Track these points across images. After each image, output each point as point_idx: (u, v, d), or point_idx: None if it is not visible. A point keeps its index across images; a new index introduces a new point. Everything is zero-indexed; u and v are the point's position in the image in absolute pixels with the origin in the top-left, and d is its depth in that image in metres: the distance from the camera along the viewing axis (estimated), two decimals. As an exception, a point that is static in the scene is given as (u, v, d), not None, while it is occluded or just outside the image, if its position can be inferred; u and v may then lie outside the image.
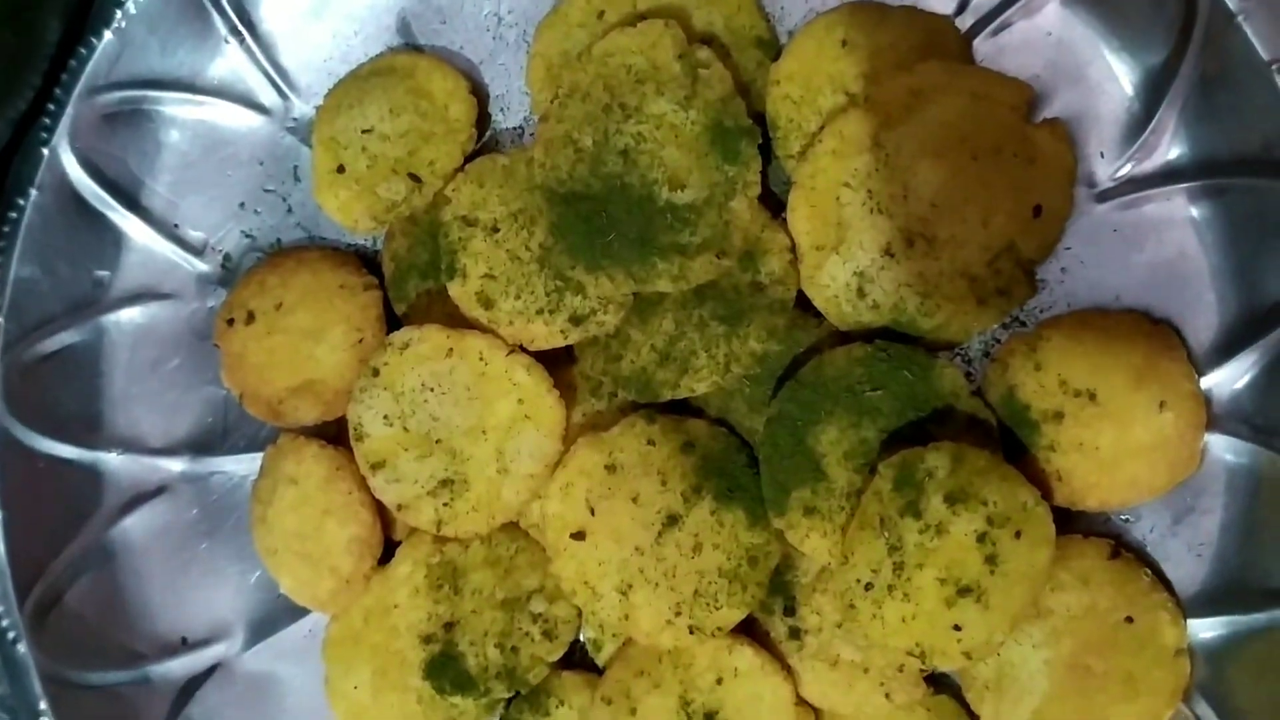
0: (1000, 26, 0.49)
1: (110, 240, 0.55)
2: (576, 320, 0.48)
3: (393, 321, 0.53)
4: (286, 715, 0.54)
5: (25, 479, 0.53)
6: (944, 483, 0.43)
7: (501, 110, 0.54)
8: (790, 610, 0.48)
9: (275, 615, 0.54)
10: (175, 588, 0.55)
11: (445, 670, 0.49)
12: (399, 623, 0.50)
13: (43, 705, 0.50)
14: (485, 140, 0.54)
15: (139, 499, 0.55)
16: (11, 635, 0.51)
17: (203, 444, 0.55)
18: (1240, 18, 0.44)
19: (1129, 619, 0.45)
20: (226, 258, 0.56)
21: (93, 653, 0.53)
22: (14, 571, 0.51)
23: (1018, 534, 0.43)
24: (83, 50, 0.53)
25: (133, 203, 0.55)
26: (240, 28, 0.55)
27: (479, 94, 0.53)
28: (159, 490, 0.55)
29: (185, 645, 0.54)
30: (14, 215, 0.53)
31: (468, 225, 0.50)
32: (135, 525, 0.55)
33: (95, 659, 0.53)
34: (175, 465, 0.55)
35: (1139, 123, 0.47)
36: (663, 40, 0.47)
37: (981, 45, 0.49)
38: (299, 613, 0.53)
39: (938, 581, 0.43)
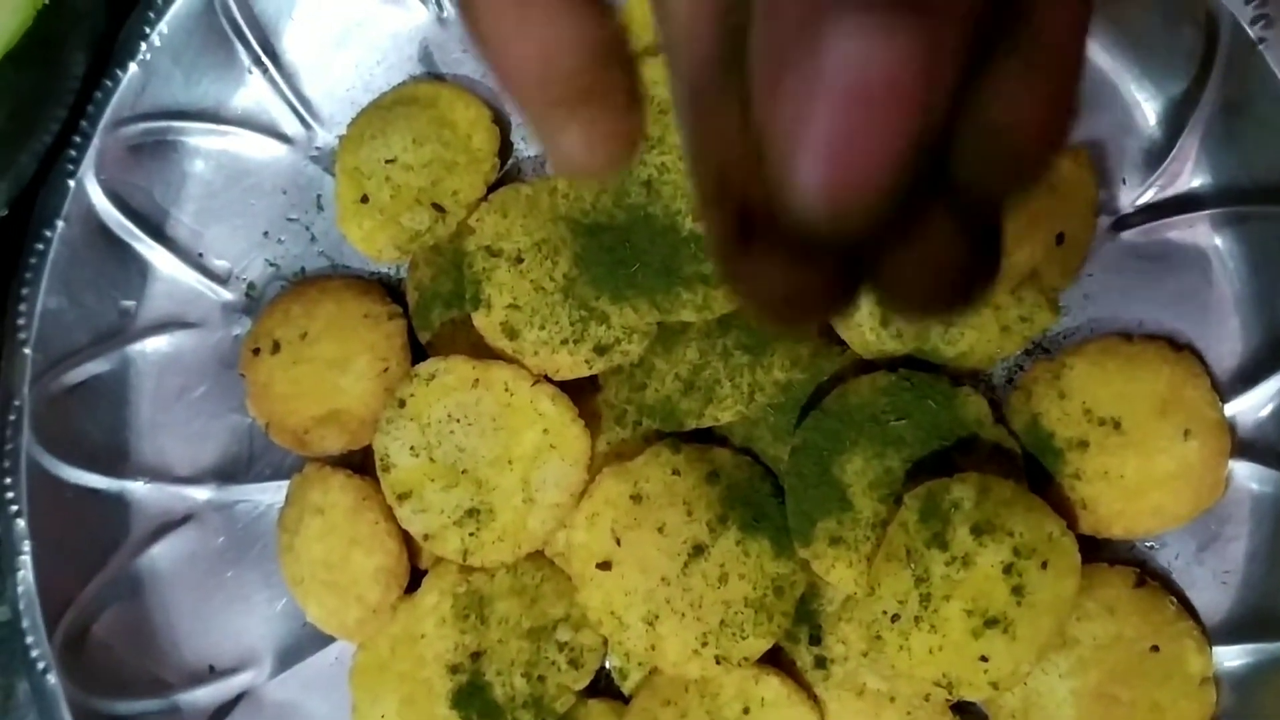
0: (1021, 55, 0.49)
1: (136, 270, 0.56)
2: (601, 350, 0.49)
3: (417, 350, 0.53)
4: (314, 743, 0.54)
5: (53, 509, 0.53)
6: (970, 514, 0.43)
7: (524, 139, 0.54)
8: (816, 639, 0.48)
9: (302, 643, 0.54)
10: (202, 616, 0.55)
11: (472, 700, 0.49)
12: (426, 652, 0.50)
13: (71, 735, 0.51)
14: (508, 169, 0.54)
15: (166, 528, 0.55)
16: (41, 666, 0.51)
17: (229, 472, 0.56)
18: (1262, 46, 0.44)
19: (1155, 648, 0.45)
20: (251, 286, 0.56)
21: (121, 682, 0.53)
22: (43, 602, 0.52)
23: (1044, 564, 0.43)
24: (108, 83, 0.53)
25: (158, 233, 0.56)
26: (264, 58, 0.55)
27: (501, 123, 0.53)
28: (185, 519, 0.55)
29: (213, 674, 0.54)
30: (41, 247, 0.53)
31: (492, 255, 0.50)
32: (162, 554, 0.55)
33: (124, 688, 0.53)
34: (202, 494, 0.55)
35: (1161, 150, 0.47)
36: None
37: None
38: (325, 641, 0.53)
39: (964, 613, 0.43)
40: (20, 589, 0.52)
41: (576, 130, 0.18)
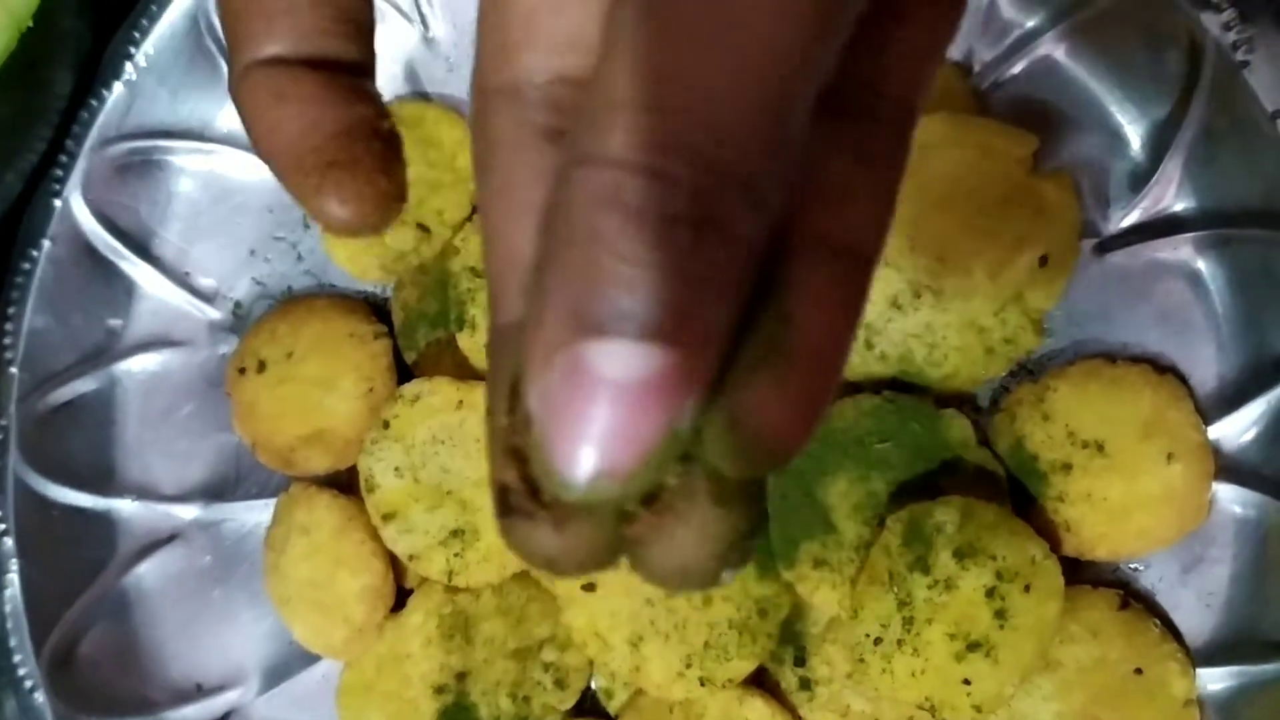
0: (1006, 77, 0.49)
1: (122, 289, 0.56)
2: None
3: (403, 370, 0.53)
4: (301, 761, 0.54)
5: (40, 528, 0.53)
6: (953, 538, 0.43)
7: (509, 159, 0.54)
8: (801, 661, 0.48)
9: (289, 662, 0.54)
10: (189, 634, 0.55)
11: (458, 720, 0.49)
12: (412, 672, 0.50)
13: (59, 754, 0.51)
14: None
15: (153, 546, 0.55)
16: (29, 684, 0.51)
17: (215, 491, 0.56)
18: (1245, 70, 0.44)
19: (1139, 670, 0.45)
20: (237, 305, 0.56)
21: (109, 700, 0.53)
22: (30, 620, 0.52)
23: (1027, 588, 0.43)
24: (94, 102, 0.53)
25: (144, 252, 0.56)
26: (249, 77, 0.55)
27: (487, 143, 0.53)
28: (172, 537, 0.55)
29: (200, 692, 0.54)
30: (27, 267, 0.53)
31: (477, 276, 0.50)
32: (149, 573, 0.55)
33: (111, 707, 0.53)
34: (188, 512, 0.55)
35: (1145, 173, 0.47)
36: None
37: (987, 95, 0.49)
38: (312, 659, 0.53)
39: (947, 636, 0.43)
40: (8, 608, 0.52)
41: (326, 193, 0.21)
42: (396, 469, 0.49)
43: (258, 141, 0.22)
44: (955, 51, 0.50)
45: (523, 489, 0.19)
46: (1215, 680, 0.46)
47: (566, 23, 0.19)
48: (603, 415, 0.15)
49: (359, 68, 0.23)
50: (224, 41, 0.23)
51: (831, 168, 0.19)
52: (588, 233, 0.15)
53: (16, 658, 0.51)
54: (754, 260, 0.16)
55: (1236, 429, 0.46)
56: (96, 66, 0.54)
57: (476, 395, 0.49)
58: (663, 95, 0.15)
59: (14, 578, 0.52)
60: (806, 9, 0.16)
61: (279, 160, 0.22)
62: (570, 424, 0.15)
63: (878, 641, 0.44)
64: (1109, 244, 0.48)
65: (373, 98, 0.23)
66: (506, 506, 0.19)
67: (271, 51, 0.22)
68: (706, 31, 0.16)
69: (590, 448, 0.15)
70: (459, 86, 0.55)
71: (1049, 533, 0.46)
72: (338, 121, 0.21)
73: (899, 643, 0.44)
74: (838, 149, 0.19)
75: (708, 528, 0.19)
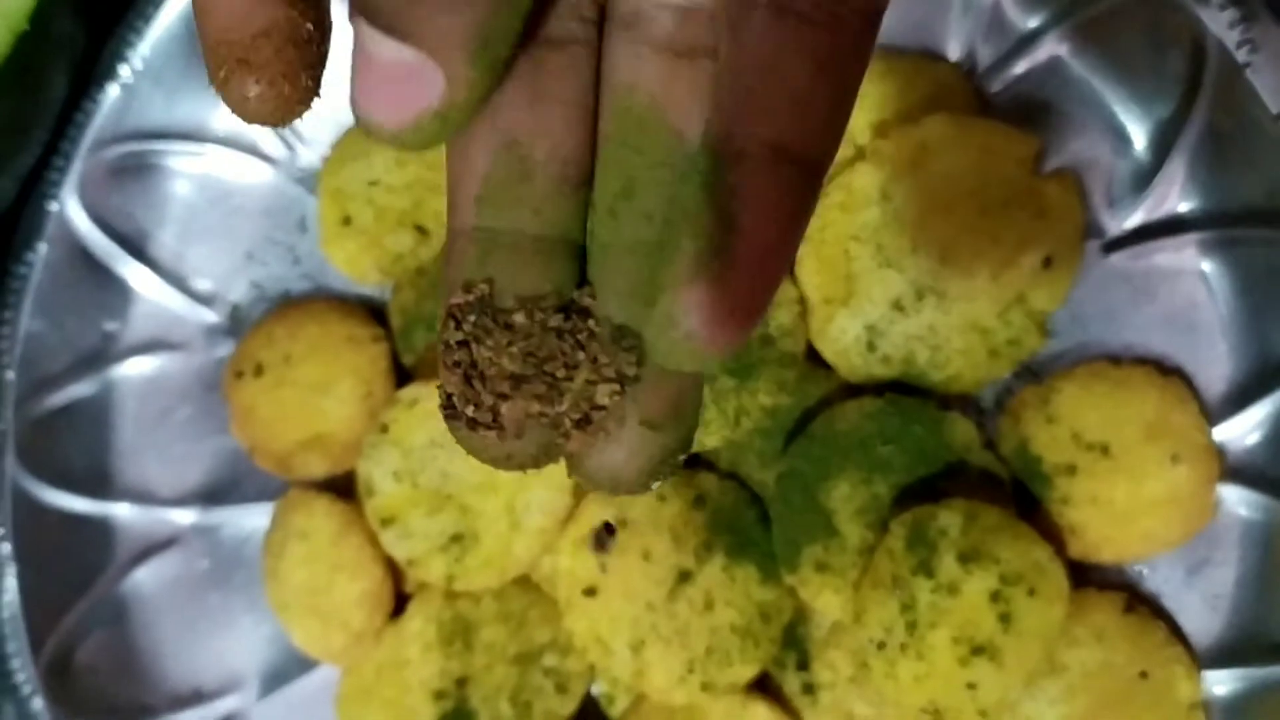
0: (1008, 77, 0.49)
1: (118, 292, 0.55)
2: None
3: (401, 374, 0.53)
4: (300, 767, 0.54)
5: (38, 533, 0.53)
6: (956, 541, 0.43)
7: (508, 161, 0.54)
8: (803, 665, 0.48)
9: (288, 667, 0.54)
10: (188, 640, 0.55)
11: (458, 726, 0.49)
12: (411, 678, 0.50)
13: (58, 760, 0.50)
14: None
15: (150, 551, 0.55)
16: (26, 690, 0.51)
17: (213, 495, 0.55)
18: (1248, 70, 0.43)
19: (1144, 674, 0.45)
20: (235, 308, 0.56)
21: (107, 706, 0.53)
22: (28, 626, 0.51)
23: (1031, 592, 0.43)
24: (89, 105, 0.53)
25: (140, 255, 0.55)
26: (245, 79, 0.55)
27: (485, 144, 0.53)
28: (170, 542, 0.55)
29: (199, 697, 0.54)
30: (23, 271, 0.53)
31: (476, 279, 0.50)
32: (147, 578, 0.55)
33: (109, 713, 0.53)
34: (186, 517, 0.55)
35: (1148, 174, 0.47)
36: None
37: (989, 95, 0.49)
38: (312, 664, 0.53)
39: (951, 640, 0.43)
40: (5, 614, 0.51)
41: (229, 87, 0.21)
42: (395, 473, 0.49)
43: (194, 12, 0.22)
44: (957, 52, 0.49)
45: (465, 397, 0.22)
46: (1221, 683, 0.45)
47: None
48: (375, 80, 0.20)
49: None
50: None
51: (790, 74, 0.19)
52: None
53: (14, 663, 0.51)
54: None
55: (1242, 430, 0.46)
56: (92, 69, 0.53)
57: (476, 399, 0.48)
58: None
59: (11, 583, 0.52)
60: None
61: (201, 42, 0.22)
62: (359, 80, 0.20)
63: (881, 645, 0.44)
64: (1113, 245, 0.48)
65: (318, 7, 0.23)
66: (453, 412, 0.22)
67: None
68: None
69: (373, 101, 0.20)
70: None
71: (1053, 535, 0.46)
72: (261, 20, 0.22)
73: (903, 647, 0.43)
74: (798, 54, 0.19)
75: (637, 446, 0.22)
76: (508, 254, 0.22)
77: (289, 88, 0.22)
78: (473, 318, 0.22)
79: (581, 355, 0.22)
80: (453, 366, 0.22)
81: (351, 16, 0.20)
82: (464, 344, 0.22)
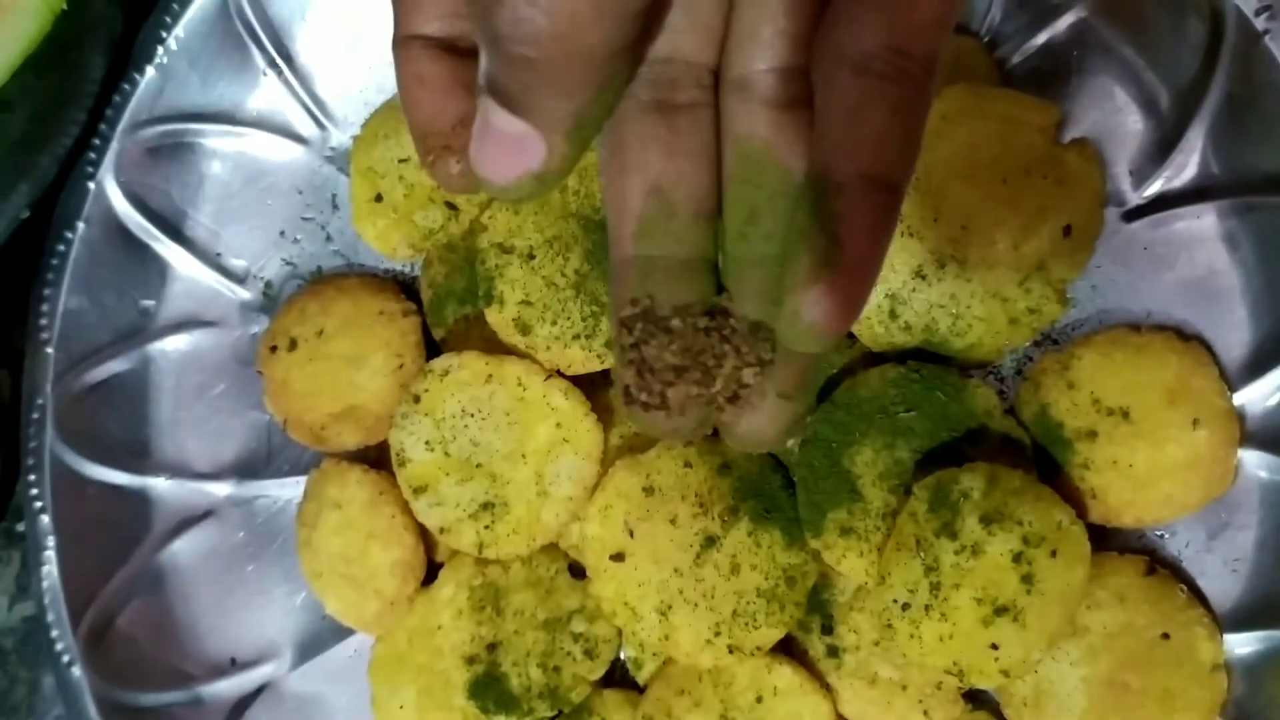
0: (1028, 48, 0.49)
1: (155, 270, 0.57)
2: (612, 345, 0.49)
3: (431, 347, 0.54)
4: (334, 734, 0.55)
5: (77, 506, 0.54)
6: (979, 504, 0.44)
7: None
8: (828, 629, 0.48)
9: (321, 636, 0.55)
10: (223, 610, 0.56)
11: (489, 690, 0.50)
12: (443, 644, 0.51)
13: (97, 727, 0.52)
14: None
15: (187, 523, 0.56)
16: (66, 659, 0.52)
17: (248, 468, 0.57)
18: (1267, 37, 0.44)
19: (1165, 635, 0.45)
20: (268, 285, 0.57)
21: (145, 675, 0.54)
22: (67, 596, 0.53)
23: (1053, 553, 0.43)
24: (126, 86, 0.54)
25: (177, 233, 0.57)
26: (278, 60, 0.56)
27: (512, 121, 0.54)
28: (206, 514, 0.56)
29: (234, 666, 0.55)
30: (62, 248, 0.54)
31: (504, 252, 0.51)
32: (184, 549, 0.56)
33: (147, 681, 0.54)
34: (221, 489, 0.56)
35: (1168, 141, 0.48)
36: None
37: (1009, 66, 0.49)
38: (345, 633, 0.54)
39: (974, 601, 0.43)
40: (45, 584, 0.52)
41: (436, 166, 0.30)
42: (427, 443, 0.50)
43: (403, 106, 0.30)
44: (978, 23, 0.50)
45: (639, 387, 0.28)
46: (1242, 645, 0.46)
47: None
48: (492, 143, 0.25)
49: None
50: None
51: (871, 119, 0.24)
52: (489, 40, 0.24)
53: (54, 633, 0.52)
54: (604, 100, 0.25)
55: (1262, 395, 0.46)
56: (129, 50, 0.55)
57: (505, 369, 0.49)
58: None
59: (51, 555, 0.53)
60: None
61: (412, 130, 0.30)
62: (480, 142, 0.25)
63: (905, 607, 0.44)
64: (1133, 213, 0.48)
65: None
66: (630, 399, 0.29)
67: (425, 29, 0.30)
68: None
69: (476, 158, 0.26)
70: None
71: (1075, 500, 0.46)
72: (456, 113, 0.29)
73: (926, 608, 0.44)
74: (876, 103, 0.24)
75: (775, 413, 0.29)
76: (661, 274, 0.29)
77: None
78: (640, 325, 0.28)
79: (727, 347, 0.28)
80: (628, 364, 0.29)
81: (480, 92, 0.25)
82: (635, 345, 0.28)
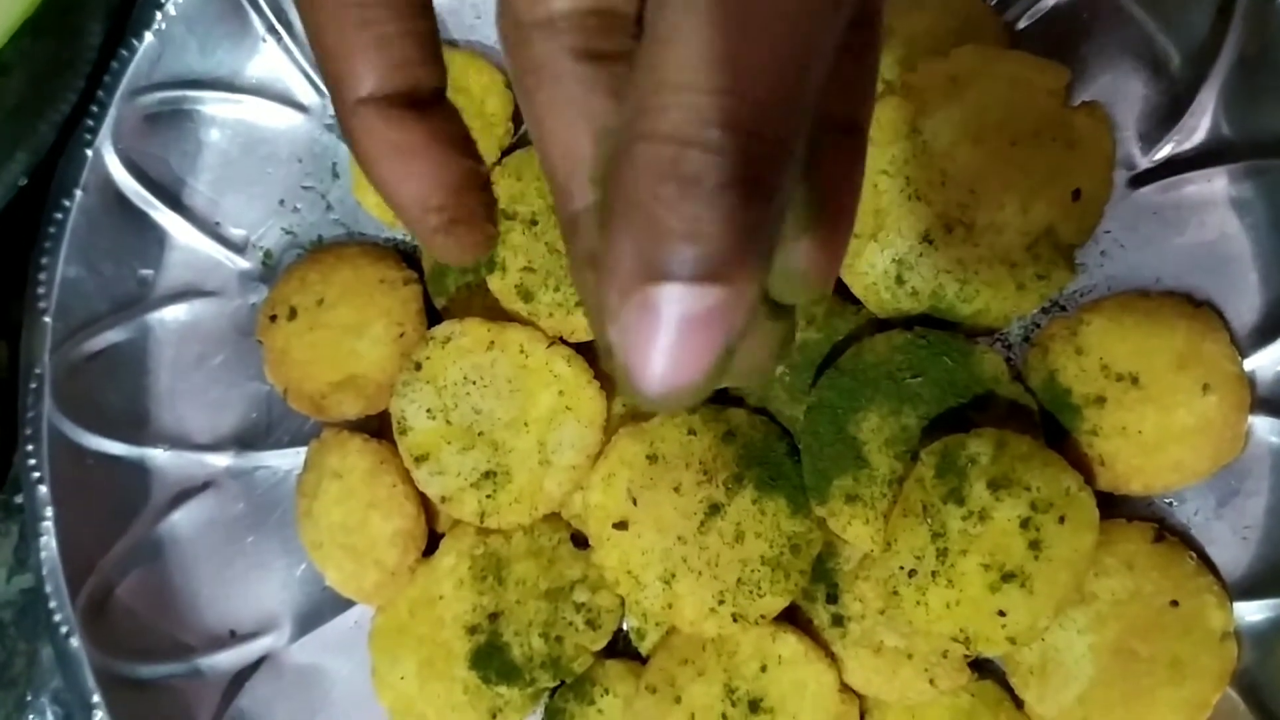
0: (1037, 10, 0.49)
1: (154, 239, 0.56)
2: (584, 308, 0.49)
3: (433, 316, 0.53)
4: (334, 706, 0.54)
5: (75, 476, 0.53)
6: (986, 469, 0.43)
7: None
8: (833, 598, 0.48)
9: (321, 607, 0.54)
10: (223, 581, 0.55)
11: (491, 660, 0.49)
12: (444, 614, 0.50)
13: (95, 699, 0.51)
14: (522, 133, 0.54)
15: (186, 494, 0.55)
16: (64, 630, 0.52)
17: (247, 439, 0.56)
18: (1280, -2, 0.43)
19: (1174, 603, 0.45)
20: (267, 254, 0.57)
21: (144, 646, 0.54)
22: (66, 568, 0.52)
23: (1061, 519, 0.43)
24: (124, 52, 0.54)
25: (175, 202, 0.56)
26: (277, 26, 0.56)
27: (515, 88, 0.53)
28: (205, 485, 0.56)
29: (234, 638, 0.54)
30: (59, 216, 0.54)
31: (506, 218, 0.50)
32: (183, 520, 0.55)
33: (146, 652, 0.53)
34: (221, 460, 0.56)
35: (1179, 105, 0.47)
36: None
37: (1018, 27, 0.49)
38: (345, 605, 0.54)
39: (981, 567, 0.43)
40: (43, 555, 0.52)
41: (449, 244, 0.26)
42: (428, 411, 0.50)
43: (379, 186, 0.26)
44: (986, -13, 0.49)
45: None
46: (1252, 613, 0.45)
47: None
48: (669, 343, 0.19)
49: (441, 90, 0.26)
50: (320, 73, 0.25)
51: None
52: (651, 197, 0.19)
53: (52, 604, 0.52)
54: (786, 197, 0.20)
55: (1273, 360, 0.46)
56: (128, 16, 0.54)
57: (507, 336, 0.49)
58: (712, 80, 0.19)
59: (49, 526, 0.52)
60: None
61: (404, 212, 0.26)
62: (645, 352, 0.19)
63: (912, 574, 0.44)
64: (1143, 177, 0.48)
65: (472, 144, 0.27)
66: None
67: (371, 87, 0.25)
68: (748, 25, 0.19)
69: (661, 371, 0.19)
70: (487, 34, 0.55)
71: (1083, 467, 0.46)
72: (453, 178, 0.26)
73: (933, 574, 0.43)
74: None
75: (766, 336, 0.25)
76: None
77: (490, 226, 0.27)
78: None
79: None
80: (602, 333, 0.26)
81: (644, 295, 0.19)
82: None
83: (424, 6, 0.26)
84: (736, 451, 0.48)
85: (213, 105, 0.56)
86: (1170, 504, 0.47)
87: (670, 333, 0.19)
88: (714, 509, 0.47)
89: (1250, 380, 0.46)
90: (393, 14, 0.25)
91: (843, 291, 0.48)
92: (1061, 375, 0.46)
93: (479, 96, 0.53)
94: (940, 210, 0.46)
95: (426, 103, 0.26)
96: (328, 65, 0.25)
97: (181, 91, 0.55)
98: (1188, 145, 0.47)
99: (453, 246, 0.26)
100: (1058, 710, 0.46)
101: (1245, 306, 0.46)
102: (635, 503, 0.48)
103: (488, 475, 0.49)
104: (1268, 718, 0.44)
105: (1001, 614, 0.43)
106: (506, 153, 0.52)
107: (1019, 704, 0.47)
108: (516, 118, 0.53)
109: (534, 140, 0.25)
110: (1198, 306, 0.46)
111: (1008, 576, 0.43)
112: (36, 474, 0.53)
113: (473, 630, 0.50)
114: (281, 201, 0.57)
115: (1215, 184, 0.47)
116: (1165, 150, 0.47)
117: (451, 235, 0.26)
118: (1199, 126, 0.47)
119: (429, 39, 0.26)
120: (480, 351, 0.49)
